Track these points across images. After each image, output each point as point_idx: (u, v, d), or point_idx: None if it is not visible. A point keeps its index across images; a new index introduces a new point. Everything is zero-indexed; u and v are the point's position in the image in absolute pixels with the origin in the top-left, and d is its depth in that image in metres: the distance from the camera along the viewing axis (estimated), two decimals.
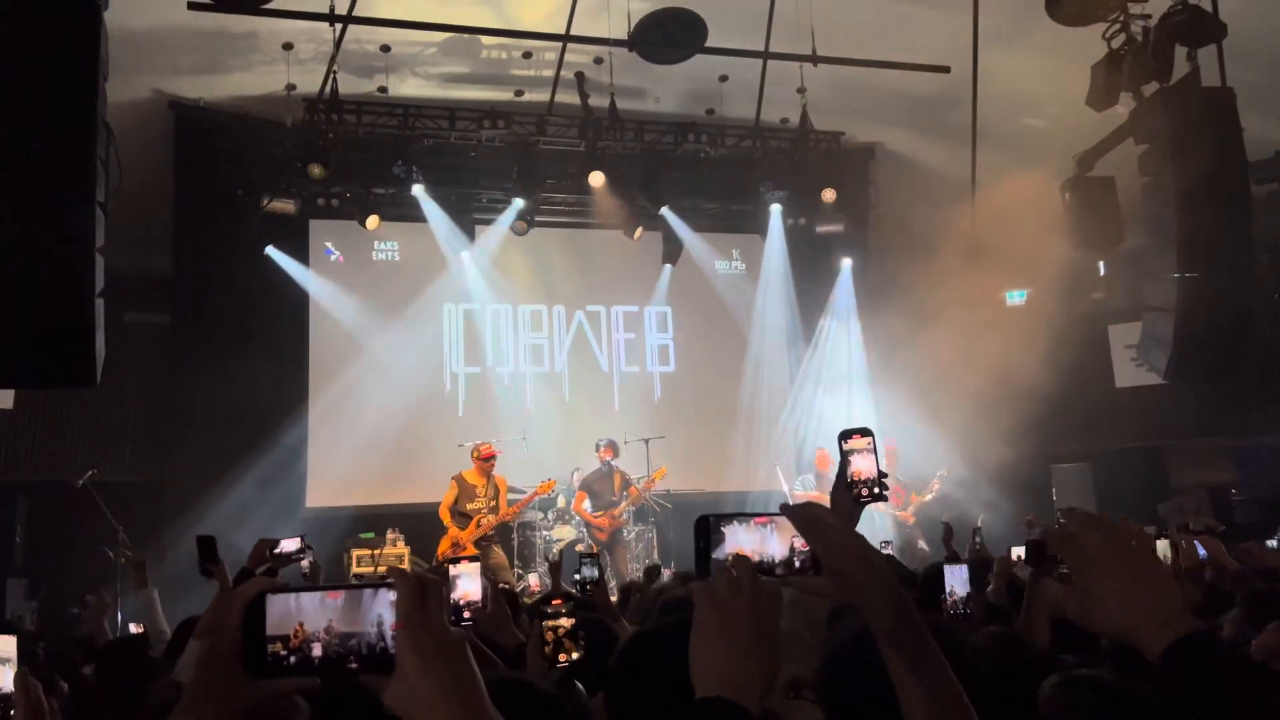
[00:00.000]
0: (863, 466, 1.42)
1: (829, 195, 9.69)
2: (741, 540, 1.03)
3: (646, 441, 9.22)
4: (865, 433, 1.42)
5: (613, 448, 8.66)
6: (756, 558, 1.00)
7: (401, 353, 9.65)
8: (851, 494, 1.42)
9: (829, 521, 1.04)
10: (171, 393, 8.71)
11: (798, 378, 10.68)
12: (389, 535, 8.40)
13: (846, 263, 10.59)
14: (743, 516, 1.06)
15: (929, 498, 9.05)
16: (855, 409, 10.08)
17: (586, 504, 8.51)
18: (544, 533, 8.67)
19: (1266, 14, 6.90)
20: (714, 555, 1.01)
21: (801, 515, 1.03)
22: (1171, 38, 6.05)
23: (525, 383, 10.19)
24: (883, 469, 1.43)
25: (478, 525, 7.68)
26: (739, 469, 10.25)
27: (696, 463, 10.13)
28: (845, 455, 1.45)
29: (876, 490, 1.44)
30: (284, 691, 0.88)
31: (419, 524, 8.52)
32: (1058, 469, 10.35)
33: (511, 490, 8.28)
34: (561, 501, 9.06)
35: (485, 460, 7.77)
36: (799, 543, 1.03)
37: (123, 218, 4.07)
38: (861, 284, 10.57)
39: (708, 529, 1.05)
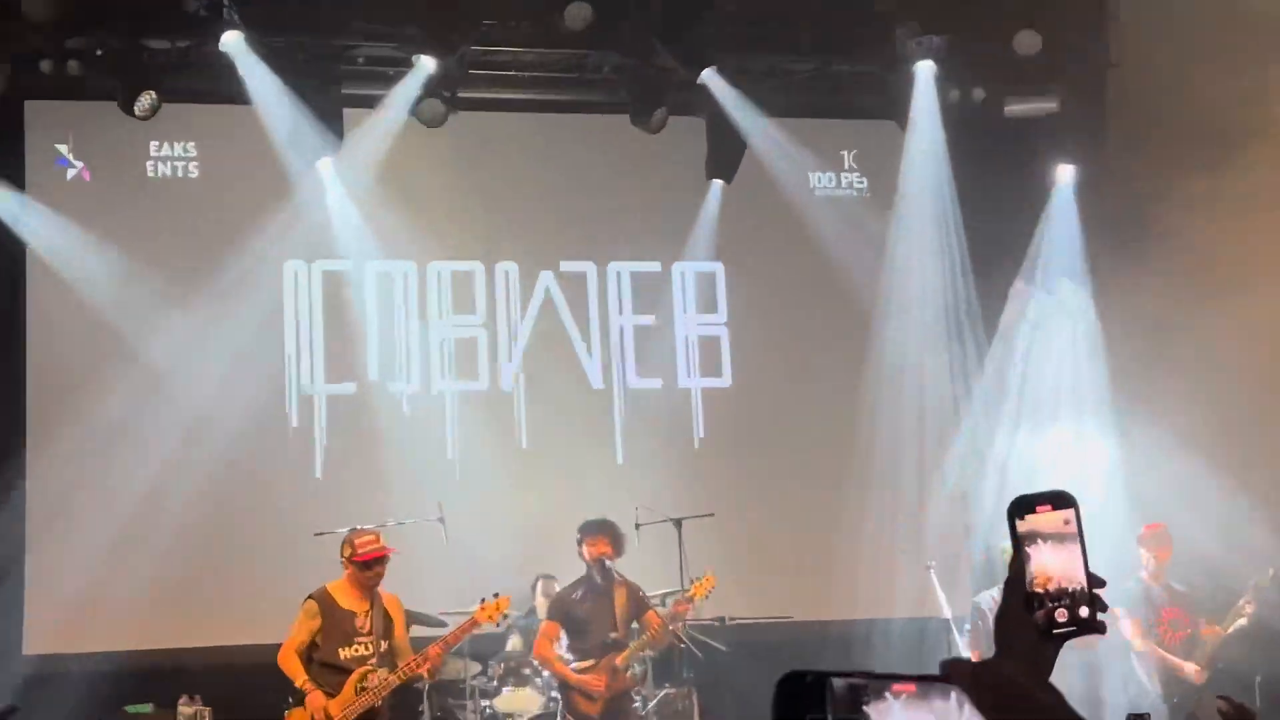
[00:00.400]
0: (1055, 565, 1.37)
1: (1029, 42, 9.66)
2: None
3: (678, 525, 9.12)
4: (1060, 502, 1.38)
5: (611, 538, 8.54)
6: None
7: (205, 359, 9.87)
8: (1034, 619, 1.36)
9: (1019, 691, 1.17)
10: None
11: (970, 396, 10.82)
12: (182, 709, 8.66)
13: (1065, 176, 10.74)
14: (872, 680, 1.10)
15: (1235, 628, 8.92)
16: (1087, 455, 10.12)
17: (562, 646, 8.56)
18: (484, 703, 8.79)
19: None
20: None
21: (979, 682, 1.15)
22: None
23: (444, 412, 10.41)
24: (1093, 572, 1.38)
25: (358, 690, 7.59)
26: (856, 576, 10.22)
27: (774, 566, 10.35)
28: (1021, 545, 1.38)
29: (1085, 613, 1.37)
30: None
31: (238, 687, 8.78)
32: None
33: (419, 621, 8.52)
34: (516, 642, 9.26)
35: (366, 565, 7.67)
36: None
37: None
38: (1096, 217, 10.63)
39: (801, 701, 1.09)
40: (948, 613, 8.79)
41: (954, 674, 1.17)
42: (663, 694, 8.79)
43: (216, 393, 9.71)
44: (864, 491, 10.46)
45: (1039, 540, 1.38)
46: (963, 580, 9.72)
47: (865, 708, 1.09)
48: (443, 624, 8.65)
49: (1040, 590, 1.36)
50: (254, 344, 9.88)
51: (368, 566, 7.53)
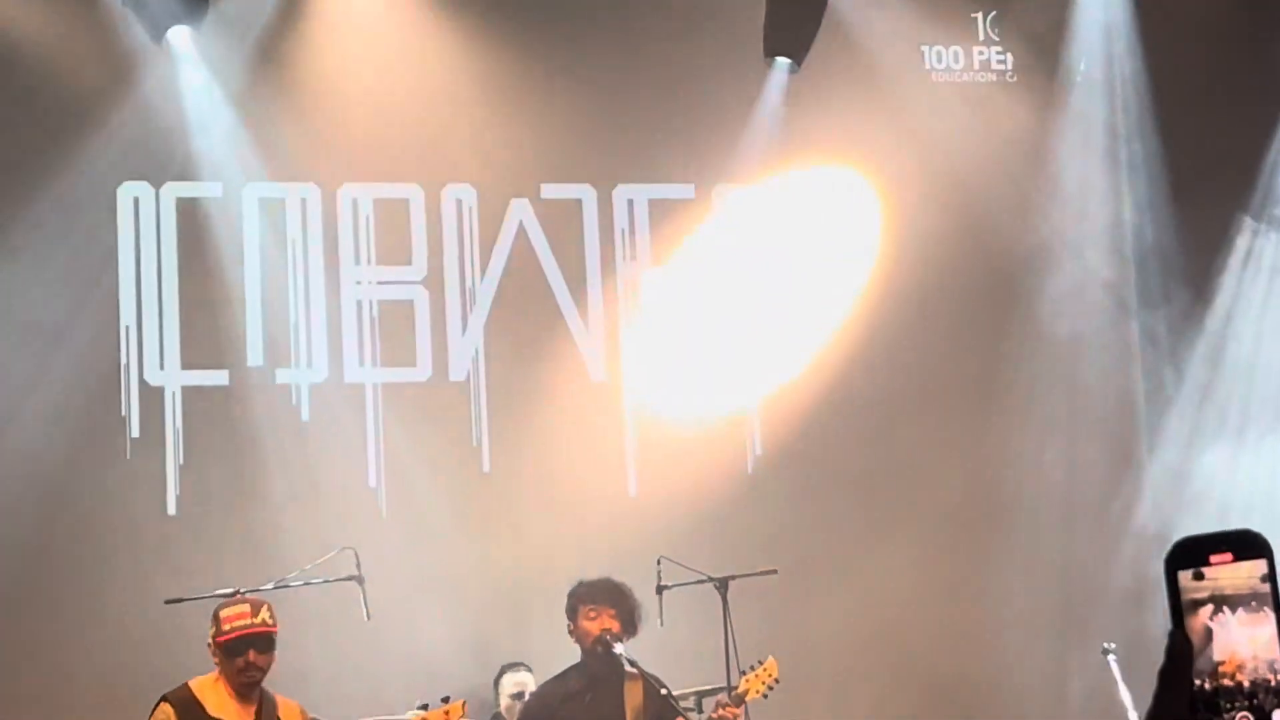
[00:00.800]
0: (1245, 646, 1.50)
1: None
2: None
3: (723, 587, 9.21)
4: (1247, 548, 1.48)
5: (619, 608, 8.58)
6: None
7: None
8: (1209, 714, 1.51)
9: None
10: None
11: (1169, 387, 11.21)
12: None
13: None
14: None
15: None
16: None
17: None
18: None
19: None
20: None
21: None
22: None
23: (363, 415, 10.68)
24: None
25: None
26: (996, 665, 10.60)
27: (868, 651, 10.57)
28: (1184, 614, 1.55)
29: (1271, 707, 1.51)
30: None
31: None
32: None
33: None
34: None
35: (232, 650, 7.76)
36: None
37: None
38: None
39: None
40: (1134, 717, 8.91)
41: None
42: None
43: (17, 386, 9.90)
44: (1006, 537, 10.71)
45: (1220, 607, 1.45)
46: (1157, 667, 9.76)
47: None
48: None
49: (1222, 685, 1.42)
50: (73, 311, 10.03)
51: (235, 652, 7.71)
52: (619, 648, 8.22)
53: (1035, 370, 11.02)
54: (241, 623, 7.68)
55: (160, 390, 10.27)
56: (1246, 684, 1.40)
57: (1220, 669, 1.42)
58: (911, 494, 10.82)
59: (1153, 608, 10.10)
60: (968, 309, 11.15)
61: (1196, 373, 11.13)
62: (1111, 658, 8.93)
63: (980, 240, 11.09)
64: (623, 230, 10.96)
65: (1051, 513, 10.85)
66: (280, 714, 7.80)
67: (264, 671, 7.74)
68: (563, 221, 10.89)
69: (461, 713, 8.18)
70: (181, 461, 10.20)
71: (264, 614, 7.74)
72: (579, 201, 10.94)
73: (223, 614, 7.78)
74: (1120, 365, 11.27)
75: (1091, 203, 11.17)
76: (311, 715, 8.09)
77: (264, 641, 7.73)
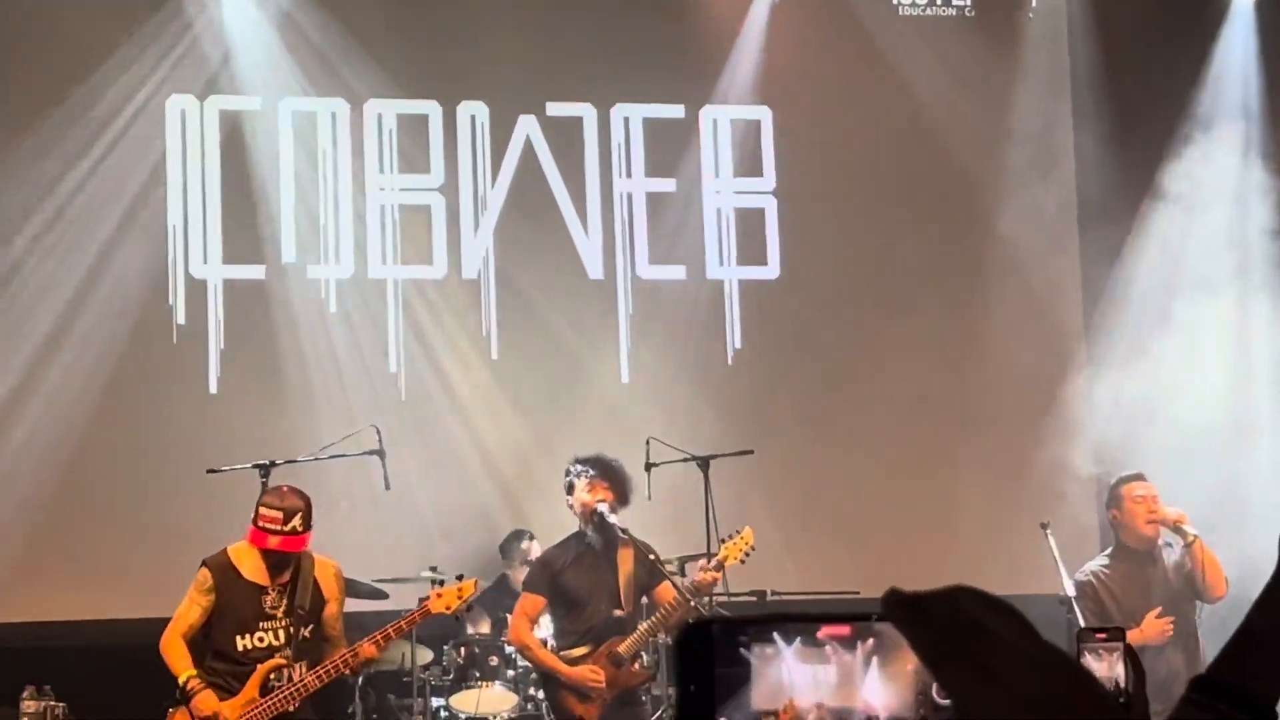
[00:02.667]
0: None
1: None
2: (793, 677, 1.22)
3: (704, 465, 9.22)
4: None
5: (613, 481, 8.65)
6: (821, 710, 1.23)
7: (56, 235, 10.10)
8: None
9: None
10: None
11: (1108, 294, 10.95)
12: (26, 705, 8.63)
13: None
14: (797, 624, 1.25)
15: None
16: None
17: (546, 627, 8.73)
18: (437, 702, 8.93)
19: None
20: (747, 705, 1.21)
21: (922, 616, 1.19)
22: None
23: (385, 308, 10.54)
24: None
25: (265, 688, 7.59)
26: (945, 538, 10.48)
27: (834, 523, 10.56)
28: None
29: None
30: None
31: (103, 676, 8.92)
32: None
33: (349, 592, 8.26)
34: (480, 622, 9.49)
35: (278, 527, 7.56)
36: (937, 691, 1.19)
37: None
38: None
39: (703, 651, 1.22)
40: (1069, 589, 8.71)
41: (891, 608, 1.20)
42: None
43: (73, 280, 9.90)
44: (958, 425, 10.63)
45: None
46: (1090, 543, 9.74)
47: (749, 650, 1.21)
48: (381, 595, 8.77)
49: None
50: (125, 212, 10.03)
51: (280, 528, 7.51)
52: (613, 517, 8.32)
53: (988, 278, 10.87)
54: (273, 528, 7.45)
55: (204, 283, 10.21)
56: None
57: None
58: (877, 385, 10.68)
59: (1088, 488, 10.16)
60: (929, 223, 10.96)
61: (1129, 279, 10.84)
62: (1049, 533, 8.84)
63: (942, 160, 10.93)
64: (619, 145, 10.79)
65: (1000, 400, 10.72)
66: (316, 574, 7.63)
67: (308, 535, 7.51)
68: (565, 136, 10.69)
69: (473, 590, 8.01)
70: (223, 347, 10.15)
71: (295, 522, 7.47)
72: (580, 118, 10.76)
73: (263, 510, 7.57)
74: (1064, 275, 11.09)
75: (1045, 131, 11.03)
76: (347, 576, 7.93)
77: (300, 521, 7.51)
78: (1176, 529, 8.38)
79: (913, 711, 1.26)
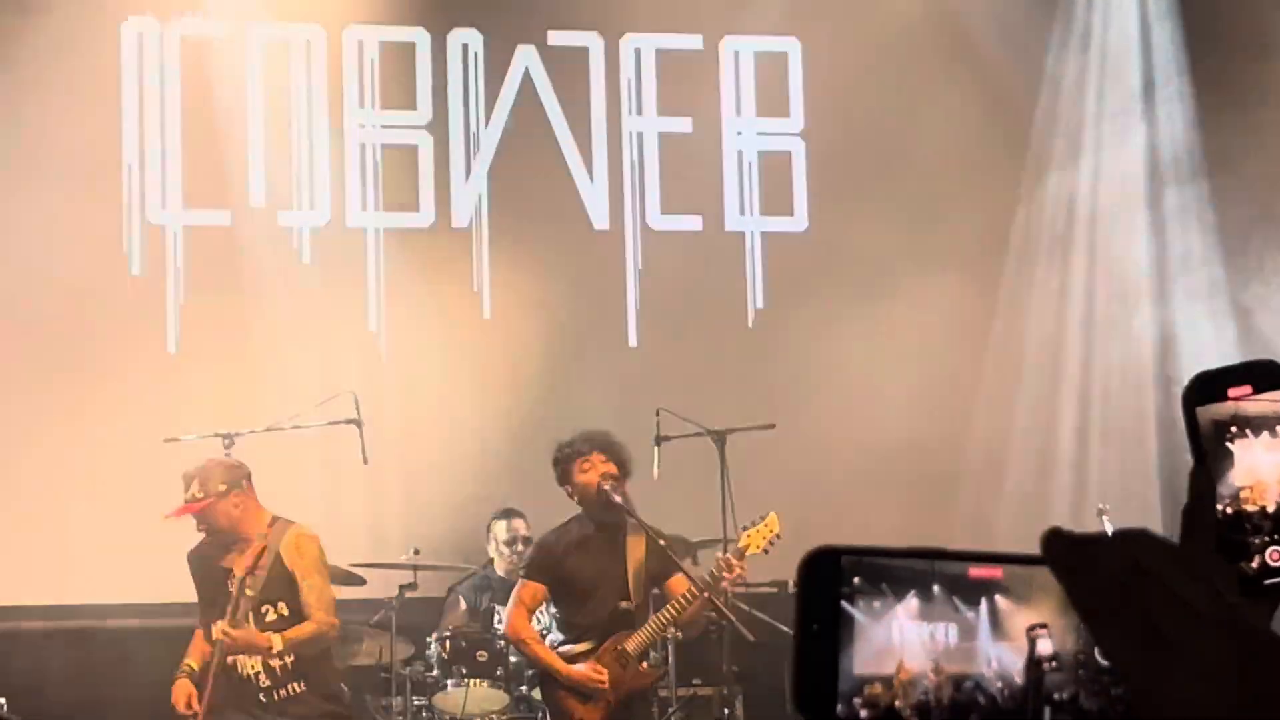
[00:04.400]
0: (1269, 472, 1.36)
1: None
2: (905, 636, 1.18)
3: (720, 441, 9.27)
4: (1269, 377, 1.36)
5: (607, 452, 8.63)
6: (939, 675, 1.18)
7: None
8: (1233, 566, 1.35)
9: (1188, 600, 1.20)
10: None
11: (1182, 253, 11.16)
12: None
13: None
14: (908, 576, 1.20)
15: None
16: None
17: (546, 621, 8.87)
18: (418, 700, 9.13)
19: None
20: (850, 670, 1.17)
21: (1085, 563, 1.19)
22: None
23: (364, 259, 10.70)
24: None
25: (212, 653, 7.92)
26: (990, 521, 10.69)
27: (867, 505, 10.47)
28: (1205, 450, 1.38)
29: None
30: None
31: (48, 666, 9.21)
32: None
33: (331, 579, 8.60)
34: (463, 612, 9.61)
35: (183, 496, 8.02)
36: (1083, 642, 1.19)
37: None
38: None
39: (828, 584, 1.19)
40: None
41: (1052, 550, 1.18)
42: (693, 694, 8.89)
43: (15, 226, 9.95)
44: (1005, 395, 10.79)
45: (1240, 435, 1.37)
46: (1151, 527, 9.79)
47: (850, 605, 1.18)
48: (357, 580, 8.91)
49: (1244, 509, 1.34)
50: (74, 149, 10.03)
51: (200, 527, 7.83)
52: (619, 496, 8.29)
53: (1039, 233, 11.04)
54: (187, 495, 7.82)
55: (162, 229, 10.30)
56: (1271, 508, 1.32)
57: (1242, 493, 1.34)
58: (915, 350, 10.80)
59: (1149, 463, 10.61)
60: (976, 169, 11.05)
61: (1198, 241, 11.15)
62: (1105, 519, 8.96)
63: (993, 98, 11.05)
64: (629, 80, 10.92)
65: (1053, 368, 10.95)
66: (281, 549, 7.89)
67: (214, 530, 7.83)
68: (569, 70, 10.84)
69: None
70: (182, 301, 10.27)
71: (192, 489, 7.80)
72: (585, 49, 10.92)
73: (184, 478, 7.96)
74: (1126, 236, 11.25)
75: (1108, 64, 11.20)
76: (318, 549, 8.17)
77: (201, 517, 7.83)
78: None
79: (1024, 677, 1.16)
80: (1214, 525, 1.32)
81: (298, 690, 7.99)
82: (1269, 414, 1.35)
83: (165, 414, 9.47)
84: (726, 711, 9.03)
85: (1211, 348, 10.58)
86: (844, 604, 1.17)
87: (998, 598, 1.19)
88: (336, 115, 10.54)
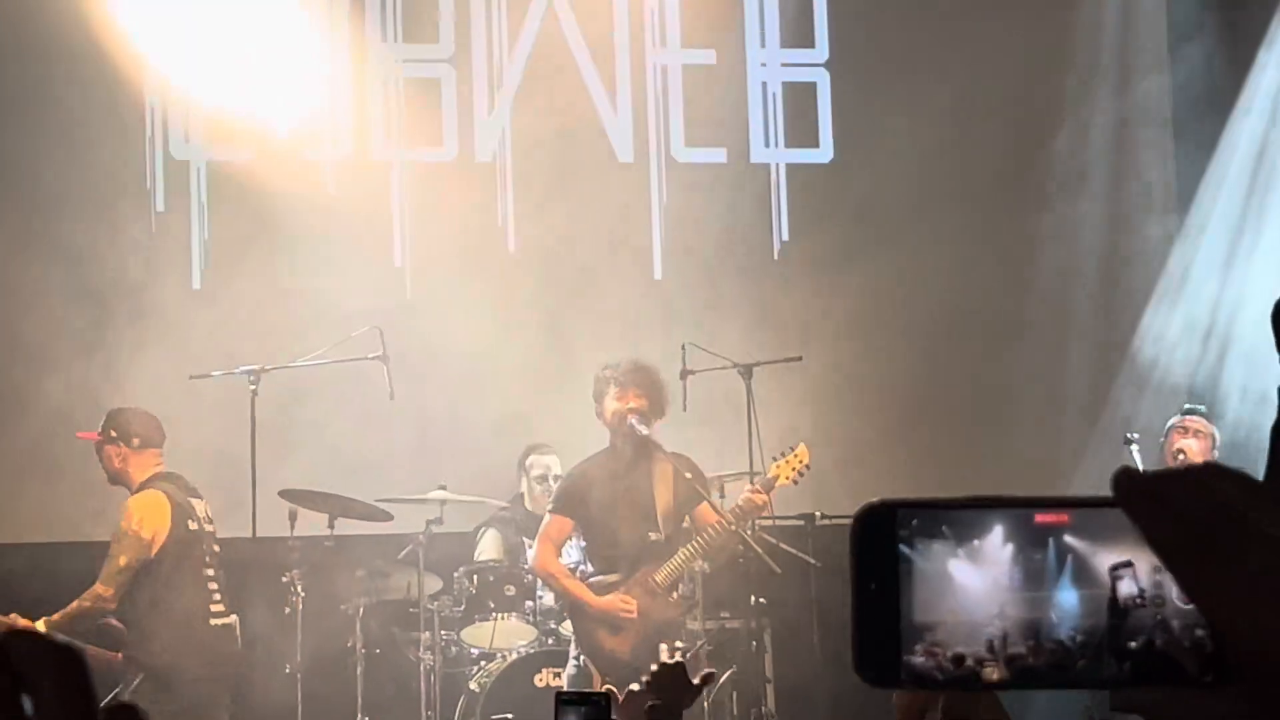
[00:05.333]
0: None
1: None
2: (969, 582, 1.17)
3: (747, 374, 9.33)
4: None
5: (646, 389, 8.68)
6: (1006, 622, 1.16)
7: (18, 109, 10.16)
8: None
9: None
10: None
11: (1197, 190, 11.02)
12: None
13: None
14: (970, 519, 1.18)
15: None
16: None
17: (572, 554, 8.87)
18: (446, 634, 9.13)
19: None
20: (912, 624, 1.17)
21: (1165, 502, 1.16)
22: None
23: (388, 194, 10.66)
24: None
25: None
26: (1019, 453, 10.71)
27: (895, 436, 10.69)
28: None
29: None
30: None
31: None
32: None
33: (349, 513, 8.97)
34: (493, 545, 9.68)
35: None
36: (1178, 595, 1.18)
37: None
38: None
39: (885, 539, 1.17)
40: None
41: (1128, 492, 1.15)
42: (720, 626, 8.91)
43: (36, 163, 9.94)
44: (1034, 327, 10.74)
45: None
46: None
47: (909, 549, 1.16)
48: (384, 515, 8.92)
49: None
50: (95, 85, 9.99)
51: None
52: (646, 429, 8.36)
53: (1071, 166, 10.91)
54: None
55: (185, 165, 10.29)
56: None
57: None
58: (942, 282, 10.83)
59: (1178, 391, 10.42)
60: (1008, 102, 10.98)
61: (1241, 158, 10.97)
62: (1134, 449, 9.14)
63: (1027, 24, 10.92)
64: (653, 10, 10.84)
65: (1083, 299, 10.91)
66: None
67: (110, 471, 8.12)
68: (592, 1, 10.77)
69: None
70: (206, 237, 10.26)
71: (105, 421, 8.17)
72: None
73: None
74: (1159, 160, 11.21)
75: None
76: (330, 487, 8.48)
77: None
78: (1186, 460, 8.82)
79: (1102, 620, 1.15)
80: None
81: None
82: None
83: (191, 351, 9.54)
84: (754, 644, 9.02)
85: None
86: (904, 550, 1.16)
87: (1067, 539, 1.17)
88: (359, 49, 10.48)
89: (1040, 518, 1.16)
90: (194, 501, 8.43)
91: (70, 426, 9.68)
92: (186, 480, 8.50)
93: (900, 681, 1.14)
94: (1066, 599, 1.15)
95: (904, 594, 1.15)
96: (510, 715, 8.38)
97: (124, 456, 8.20)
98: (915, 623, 1.15)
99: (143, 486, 8.20)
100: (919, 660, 1.15)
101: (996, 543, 1.15)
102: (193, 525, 8.26)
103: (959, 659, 1.15)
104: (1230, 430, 9.44)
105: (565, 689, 8.25)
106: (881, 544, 1.16)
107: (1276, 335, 1.33)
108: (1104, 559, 1.16)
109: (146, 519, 8.12)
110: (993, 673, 1.15)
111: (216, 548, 8.41)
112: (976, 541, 1.15)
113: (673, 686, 4.09)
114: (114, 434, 8.18)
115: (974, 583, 1.16)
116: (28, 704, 1.01)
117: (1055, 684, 1.17)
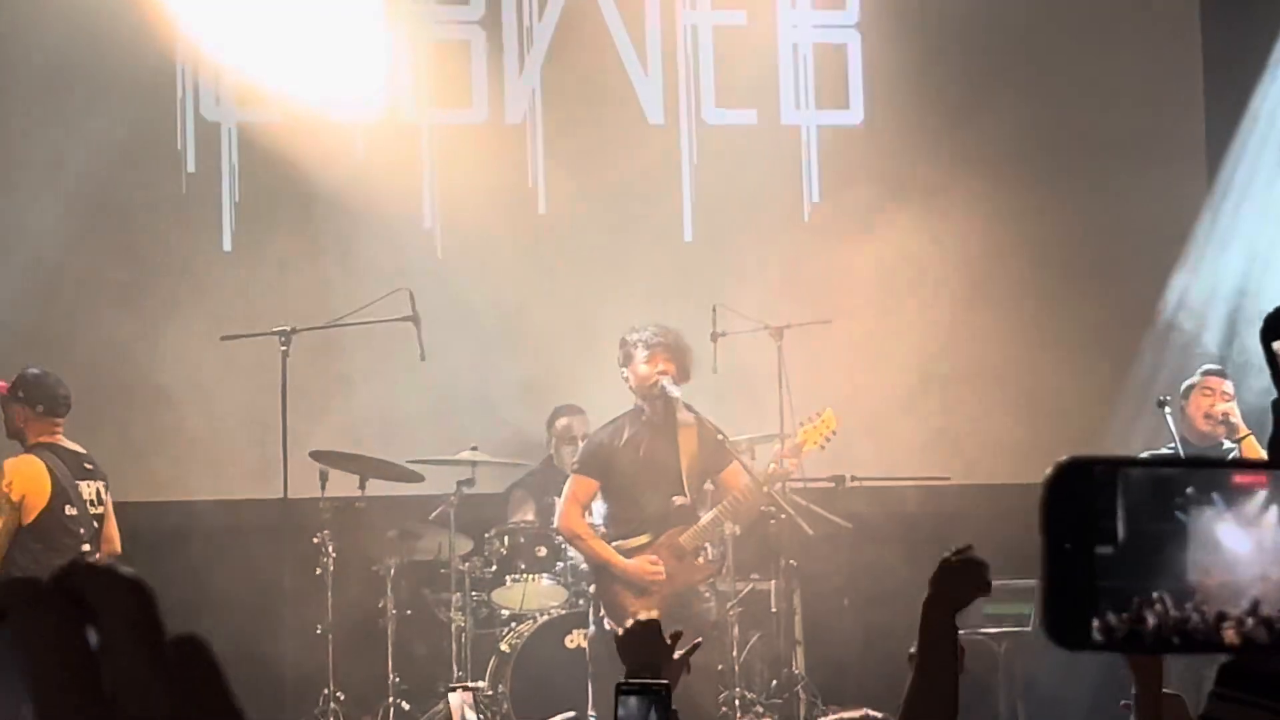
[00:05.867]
0: None
1: None
2: (1233, 544, 1.17)
3: (778, 336, 9.42)
4: None
5: (674, 352, 8.72)
6: (1211, 587, 1.17)
7: (52, 71, 10.16)
8: None
9: None
10: None
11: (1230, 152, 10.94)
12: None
13: None
14: (1191, 471, 1.20)
15: None
16: None
17: (599, 516, 8.87)
18: (477, 595, 9.17)
19: None
20: (1109, 588, 1.17)
21: None
22: None
23: (418, 155, 10.65)
24: None
25: None
26: (1050, 417, 10.63)
27: (923, 401, 10.69)
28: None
29: None
30: None
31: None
32: None
33: (379, 473, 9.10)
34: (524, 507, 9.72)
35: None
36: None
37: None
38: None
39: (1080, 499, 1.18)
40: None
41: None
42: (749, 589, 8.89)
43: (68, 124, 9.89)
44: (1060, 292, 10.71)
45: None
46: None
47: (1181, 514, 1.14)
48: (416, 477, 8.98)
49: None
50: (127, 47, 9.96)
51: None
52: (675, 391, 8.37)
53: (1107, 131, 10.85)
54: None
55: (216, 126, 10.30)
56: None
57: None
58: (972, 244, 10.78)
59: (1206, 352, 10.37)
60: (1040, 63, 10.96)
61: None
62: (1167, 412, 9.12)
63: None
64: None
65: (1116, 261, 10.88)
66: None
67: (9, 427, 8.20)
68: None
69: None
70: (237, 199, 10.25)
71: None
72: None
73: None
74: (1189, 109, 11.14)
75: None
76: (359, 448, 8.62)
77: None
78: (1225, 422, 8.70)
79: None
80: None
81: None
82: None
83: (222, 312, 9.62)
84: (785, 605, 9.04)
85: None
86: (1175, 509, 1.16)
87: (1266, 501, 1.18)
88: (389, 9, 10.42)
89: (1238, 478, 1.17)
90: (82, 484, 8.38)
91: (104, 385, 9.70)
92: (87, 457, 8.50)
93: (1092, 643, 1.14)
94: (1274, 560, 1.16)
95: (1100, 558, 1.16)
96: (573, 713, 8.36)
97: (26, 418, 8.26)
98: (1112, 587, 1.15)
99: (28, 451, 8.24)
100: (1116, 629, 1.15)
101: (1198, 503, 1.16)
102: (71, 510, 8.22)
103: (1161, 630, 1.15)
104: (1256, 396, 9.31)
105: (588, 650, 8.40)
106: (1077, 504, 1.16)
107: (1266, 351, 1.32)
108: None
109: (17, 482, 8.11)
110: (1230, 633, 1.15)
111: (98, 527, 8.36)
112: (1177, 501, 1.16)
113: (643, 648, 3.99)
114: (21, 394, 8.25)
115: (1178, 546, 1.16)
116: (93, 636, 1.03)
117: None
